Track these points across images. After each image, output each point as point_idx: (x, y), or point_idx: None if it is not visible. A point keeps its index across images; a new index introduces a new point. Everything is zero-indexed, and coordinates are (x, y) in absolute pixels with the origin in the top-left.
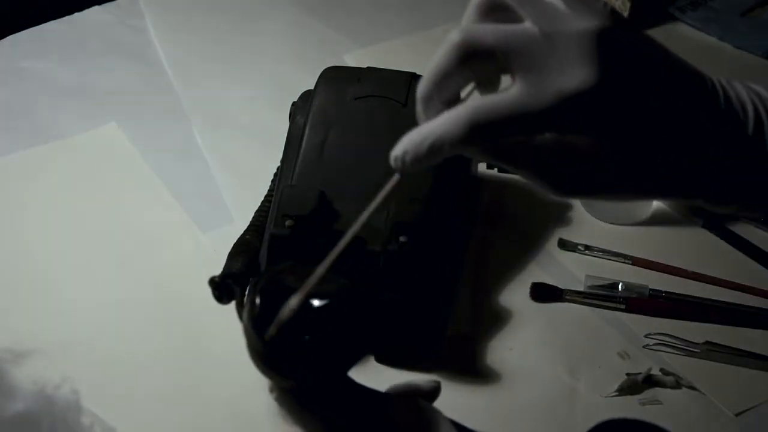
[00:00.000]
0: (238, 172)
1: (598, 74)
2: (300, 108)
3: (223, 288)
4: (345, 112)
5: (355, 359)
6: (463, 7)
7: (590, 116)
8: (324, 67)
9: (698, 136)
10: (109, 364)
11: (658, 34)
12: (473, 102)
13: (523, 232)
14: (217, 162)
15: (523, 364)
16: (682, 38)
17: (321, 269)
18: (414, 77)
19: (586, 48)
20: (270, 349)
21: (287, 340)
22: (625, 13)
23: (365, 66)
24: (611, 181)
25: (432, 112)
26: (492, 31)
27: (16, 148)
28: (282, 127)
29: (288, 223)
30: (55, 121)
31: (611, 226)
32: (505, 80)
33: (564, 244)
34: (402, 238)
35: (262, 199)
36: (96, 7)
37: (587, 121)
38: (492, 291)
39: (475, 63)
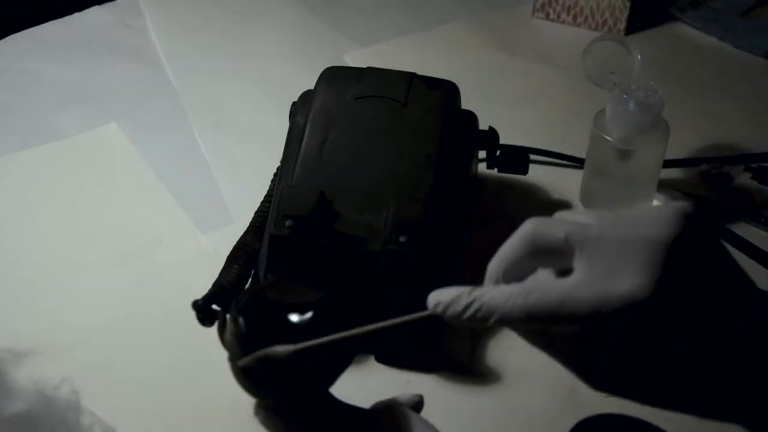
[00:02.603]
0: (238, 172)
1: (654, 286)
2: (300, 108)
3: (205, 311)
4: (345, 112)
5: (336, 374)
6: (463, 6)
7: (638, 322)
8: (324, 67)
9: (743, 347)
10: (109, 364)
11: (658, 34)
12: (532, 294)
13: None
14: (217, 162)
15: (522, 364)
16: (682, 38)
17: (325, 340)
18: (414, 77)
19: (649, 260)
20: (252, 366)
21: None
22: (625, 13)
23: (365, 66)
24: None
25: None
26: (561, 226)
27: (16, 148)
28: (282, 127)
29: (288, 223)
30: (55, 121)
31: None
32: None
33: None
34: (402, 238)
35: (262, 199)
36: (96, 7)
37: (633, 325)
38: None
39: (541, 257)
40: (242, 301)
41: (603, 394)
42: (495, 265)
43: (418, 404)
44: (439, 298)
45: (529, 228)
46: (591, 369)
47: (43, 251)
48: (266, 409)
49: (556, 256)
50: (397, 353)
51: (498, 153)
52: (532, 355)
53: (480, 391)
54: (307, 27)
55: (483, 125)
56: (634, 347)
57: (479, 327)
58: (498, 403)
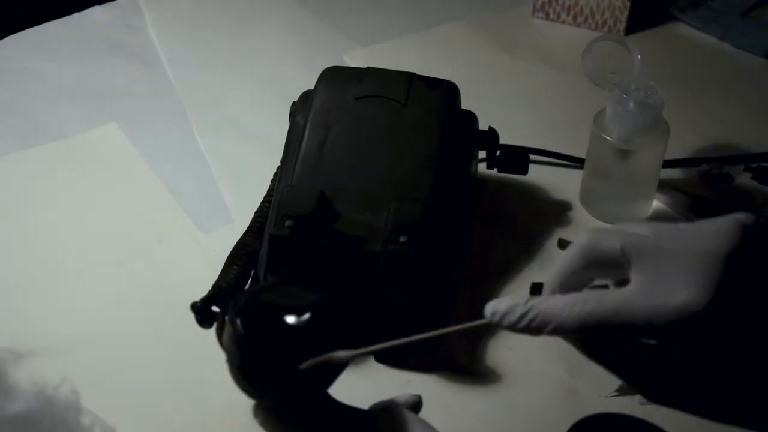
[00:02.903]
0: (238, 172)
1: (709, 299)
2: (300, 108)
3: (204, 313)
4: (345, 112)
5: (334, 375)
6: (463, 6)
7: (693, 333)
8: (324, 67)
9: None
10: (109, 364)
11: (658, 34)
12: (588, 302)
13: (523, 232)
14: (217, 162)
15: (522, 364)
16: (682, 38)
17: (387, 345)
18: (414, 77)
19: (705, 272)
20: (250, 368)
21: (266, 359)
22: (625, 13)
23: (365, 66)
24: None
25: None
26: (617, 237)
27: (16, 148)
28: (282, 127)
29: (288, 223)
30: (55, 121)
31: (611, 226)
32: None
33: (564, 244)
34: (402, 238)
35: (262, 199)
36: (96, 7)
37: (687, 336)
38: (492, 291)
39: (598, 268)
40: (239, 303)
41: (604, 395)
42: (553, 276)
43: (416, 404)
44: (496, 307)
45: (586, 239)
46: (647, 382)
47: (43, 251)
48: (265, 411)
49: (613, 267)
50: (397, 353)
51: (498, 153)
52: (532, 355)
53: (480, 391)
54: (307, 27)
55: (483, 125)
56: (689, 359)
57: (534, 335)
58: (498, 403)
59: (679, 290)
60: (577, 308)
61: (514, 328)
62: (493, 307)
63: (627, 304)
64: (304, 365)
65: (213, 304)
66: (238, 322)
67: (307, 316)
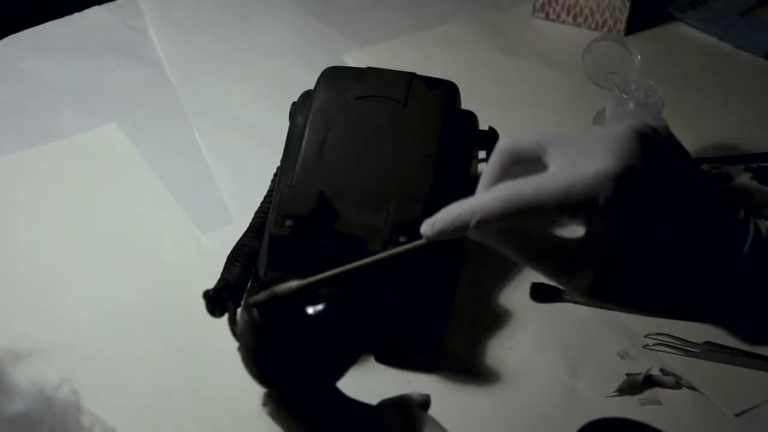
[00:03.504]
0: (238, 172)
1: (619, 165)
2: (300, 108)
3: (215, 302)
4: (345, 112)
5: (343, 368)
6: (463, 6)
7: (608, 204)
8: (324, 67)
9: (712, 270)
10: (109, 364)
11: (658, 34)
12: (509, 187)
13: None
14: (217, 162)
15: (523, 364)
16: (682, 38)
17: (324, 276)
18: (414, 77)
19: (617, 143)
20: (265, 356)
21: (281, 347)
22: (625, 13)
23: (365, 66)
24: (622, 288)
25: None
26: (532, 134)
27: (16, 148)
28: (282, 127)
29: (288, 223)
30: (55, 121)
31: None
32: None
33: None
34: (402, 238)
35: (262, 199)
36: (96, 7)
37: (604, 210)
38: (492, 291)
39: (520, 166)
40: (255, 292)
41: (604, 395)
42: (481, 183)
43: (425, 403)
44: (428, 221)
45: (504, 141)
46: (578, 276)
47: (42, 251)
48: (275, 401)
49: (532, 164)
50: (397, 353)
51: None
52: (533, 356)
53: (480, 391)
54: (307, 27)
55: (483, 125)
56: (614, 245)
57: (464, 233)
58: (498, 403)
59: (593, 160)
60: (495, 193)
61: (446, 230)
62: (425, 222)
63: (545, 182)
64: (252, 300)
65: (222, 295)
66: (255, 310)
67: (321, 306)
